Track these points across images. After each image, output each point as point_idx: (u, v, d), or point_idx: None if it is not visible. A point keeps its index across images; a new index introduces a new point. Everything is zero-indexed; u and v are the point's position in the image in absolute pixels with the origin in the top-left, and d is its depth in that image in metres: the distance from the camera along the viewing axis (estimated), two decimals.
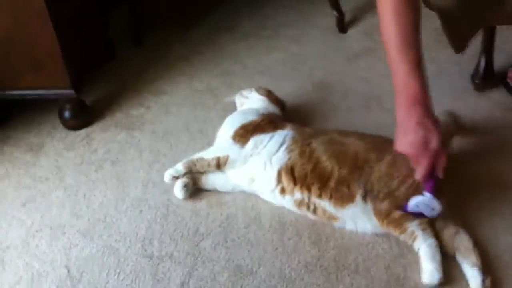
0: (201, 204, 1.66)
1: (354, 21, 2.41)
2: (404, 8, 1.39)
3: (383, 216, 1.50)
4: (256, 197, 1.65)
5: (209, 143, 1.78)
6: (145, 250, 1.55)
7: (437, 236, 1.48)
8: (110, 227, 1.61)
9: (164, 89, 2.10)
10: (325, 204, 1.55)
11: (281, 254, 1.52)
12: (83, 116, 1.94)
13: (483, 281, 1.40)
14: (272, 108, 1.80)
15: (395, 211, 1.49)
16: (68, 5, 1.86)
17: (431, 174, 1.43)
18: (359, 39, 2.31)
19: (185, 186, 1.65)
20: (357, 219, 1.54)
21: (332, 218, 1.56)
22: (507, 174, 1.70)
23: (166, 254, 1.54)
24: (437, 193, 1.46)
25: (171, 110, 2.00)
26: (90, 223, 1.63)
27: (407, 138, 1.39)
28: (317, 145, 1.60)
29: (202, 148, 1.81)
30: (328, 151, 1.58)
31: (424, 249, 1.45)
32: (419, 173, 1.42)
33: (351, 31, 2.37)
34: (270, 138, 1.64)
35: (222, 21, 2.44)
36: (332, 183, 1.54)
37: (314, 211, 1.57)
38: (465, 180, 1.69)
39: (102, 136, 1.90)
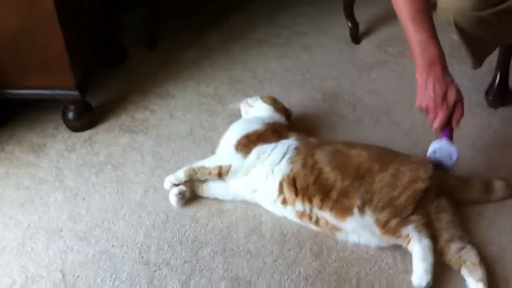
0: (201, 212, 1.63)
1: (368, 32, 2.37)
2: None
3: (381, 225, 1.47)
4: (258, 206, 1.62)
5: (213, 150, 1.75)
6: (142, 257, 1.51)
7: (435, 240, 1.45)
8: (108, 232, 1.58)
9: (172, 93, 2.07)
10: (326, 215, 1.51)
11: (281, 266, 1.48)
12: (86, 117, 1.91)
13: None
14: (278, 117, 1.76)
15: (393, 219, 1.46)
16: (77, 6, 1.85)
17: (448, 125, 1.50)
18: (372, 51, 2.27)
19: (180, 193, 1.62)
20: (359, 231, 1.50)
21: (334, 229, 1.52)
22: None
23: (163, 261, 1.50)
24: None
25: (176, 115, 1.97)
26: (87, 227, 1.59)
27: (426, 92, 1.49)
28: (321, 156, 1.57)
29: (206, 155, 1.78)
30: (332, 162, 1.55)
31: (417, 250, 1.43)
32: (437, 123, 1.49)
33: (365, 42, 2.33)
34: (273, 148, 1.61)
35: (238, 27, 2.42)
36: (334, 195, 1.51)
37: (316, 222, 1.54)
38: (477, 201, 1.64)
39: (105, 139, 1.87)
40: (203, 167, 1.62)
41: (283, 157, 1.58)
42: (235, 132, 1.68)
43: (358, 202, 1.48)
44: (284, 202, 1.56)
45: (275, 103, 1.79)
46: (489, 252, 1.50)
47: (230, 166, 1.60)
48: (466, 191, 1.62)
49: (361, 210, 1.48)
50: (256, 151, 1.61)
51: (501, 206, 1.62)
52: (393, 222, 1.46)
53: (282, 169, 1.56)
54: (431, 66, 1.49)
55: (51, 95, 1.84)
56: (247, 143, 1.63)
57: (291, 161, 1.57)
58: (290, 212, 1.56)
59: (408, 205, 1.47)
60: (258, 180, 1.59)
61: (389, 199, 1.48)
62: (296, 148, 1.60)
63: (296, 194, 1.54)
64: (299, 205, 1.54)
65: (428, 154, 1.56)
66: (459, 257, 1.43)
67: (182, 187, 1.63)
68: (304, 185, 1.53)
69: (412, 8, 1.50)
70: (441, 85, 1.48)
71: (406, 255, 1.48)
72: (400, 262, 1.48)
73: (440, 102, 1.48)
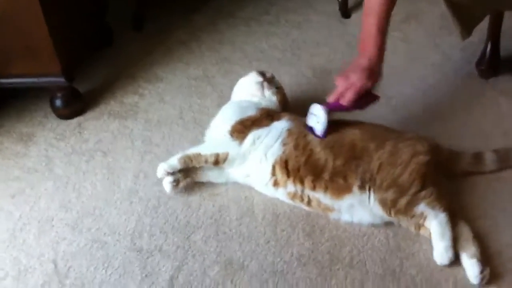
0: (193, 196, 1.62)
1: (357, 6, 2.33)
2: None
3: (390, 206, 1.45)
4: (250, 188, 1.61)
5: (204, 132, 1.73)
6: (134, 244, 1.51)
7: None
8: (99, 220, 1.57)
9: (160, 76, 2.05)
10: (319, 196, 1.51)
11: (274, 247, 1.48)
12: (75, 104, 1.89)
13: (482, 271, 1.35)
14: (275, 107, 1.70)
15: (400, 199, 1.44)
16: None
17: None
18: None
19: (174, 181, 1.59)
20: (354, 209, 1.49)
21: (327, 209, 1.51)
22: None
23: (155, 247, 1.50)
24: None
25: (165, 99, 1.95)
26: (79, 216, 1.59)
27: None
28: (313, 137, 1.55)
29: (196, 138, 1.77)
30: (323, 142, 1.53)
31: (434, 228, 1.42)
32: (332, 94, 1.57)
33: (354, 16, 2.30)
34: (268, 133, 1.59)
35: (225, 6, 2.39)
36: (326, 175, 1.50)
37: (309, 203, 1.53)
38: (468, 173, 1.63)
39: (94, 125, 1.86)
40: (198, 155, 1.58)
41: (276, 141, 1.57)
42: (228, 117, 1.64)
43: (357, 182, 1.47)
44: (276, 184, 1.55)
45: (283, 99, 1.73)
46: (482, 225, 1.50)
47: (227, 154, 1.57)
48: (457, 163, 1.61)
49: (362, 188, 1.47)
50: (251, 136, 1.58)
51: (494, 180, 1.61)
52: (403, 201, 1.44)
53: (275, 152, 1.55)
54: (360, 49, 1.60)
55: (37, 83, 1.81)
56: (242, 129, 1.60)
57: (284, 143, 1.56)
58: (282, 193, 1.55)
59: (413, 181, 1.46)
60: (253, 165, 1.57)
61: (392, 177, 1.47)
62: (288, 130, 1.58)
63: (288, 176, 1.52)
64: (291, 187, 1.53)
65: (309, 110, 1.58)
66: (453, 233, 1.42)
67: (177, 174, 1.60)
68: (296, 166, 1.52)
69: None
70: (353, 66, 1.58)
71: (398, 233, 1.48)
72: (392, 240, 1.47)
73: (343, 80, 1.56)
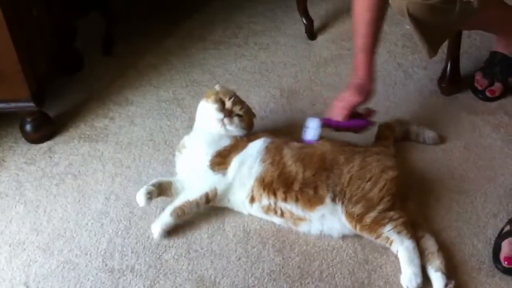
0: None
1: (323, 28, 2.39)
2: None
3: (356, 221, 1.48)
4: (220, 206, 1.63)
5: (173, 154, 1.74)
6: (106, 264, 1.52)
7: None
8: (71, 242, 1.58)
9: (130, 100, 2.07)
10: (291, 207, 1.53)
11: (245, 264, 1.50)
12: (45, 129, 1.90)
13: (446, 285, 1.39)
14: (243, 133, 1.69)
15: (367, 214, 1.47)
16: (28, 15, 1.82)
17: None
18: (328, 46, 2.29)
19: (149, 193, 1.57)
20: (325, 220, 1.52)
21: (299, 219, 1.54)
22: (473, 179, 1.70)
23: (127, 267, 1.51)
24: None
25: (136, 121, 1.97)
26: (50, 238, 1.59)
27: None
28: (287, 152, 1.59)
29: (166, 160, 1.80)
30: (295, 155, 1.57)
31: (402, 253, 1.44)
32: (328, 112, 1.70)
33: (320, 38, 2.35)
34: (249, 156, 1.59)
35: (195, 29, 2.42)
36: (296, 186, 1.53)
37: (282, 215, 1.55)
38: (432, 186, 1.69)
39: (65, 149, 1.87)
40: (188, 202, 1.55)
41: (255, 161, 1.58)
42: (204, 152, 1.62)
43: (329, 194, 1.50)
44: (252, 200, 1.57)
45: (249, 122, 1.72)
46: (448, 236, 1.55)
47: (216, 190, 1.56)
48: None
49: (334, 200, 1.50)
50: (235, 163, 1.58)
51: (457, 192, 1.66)
52: (369, 217, 1.47)
53: (255, 171, 1.56)
54: (354, 71, 1.73)
55: (6, 108, 1.81)
56: (222, 160, 1.59)
57: (262, 161, 1.57)
58: (257, 208, 1.57)
59: (382, 198, 1.49)
60: (235, 189, 1.58)
61: (362, 192, 1.50)
62: (266, 147, 1.60)
63: (263, 189, 1.55)
64: (265, 200, 1.55)
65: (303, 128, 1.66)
66: (419, 246, 1.46)
67: (151, 187, 1.59)
68: (270, 180, 1.54)
69: (355, 21, 1.69)
70: (348, 86, 1.71)
71: (366, 246, 1.52)
72: (360, 253, 1.51)
73: (339, 97, 1.70)
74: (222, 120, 1.64)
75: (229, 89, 1.76)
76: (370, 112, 1.73)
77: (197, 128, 1.73)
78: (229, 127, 1.65)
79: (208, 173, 1.59)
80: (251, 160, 1.58)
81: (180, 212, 1.54)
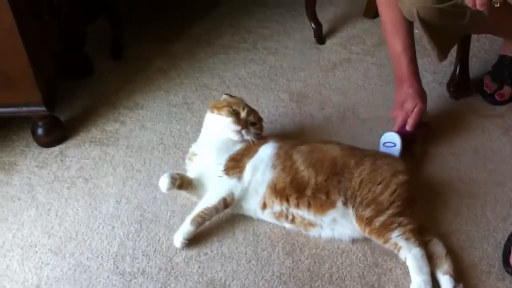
0: (175, 219, 1.65)
1: (331, 32, 2.40)
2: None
3: (365, 224, 1.49)
4: (229, 209, 1.63)
5: (184, 157, 1.76)
6: (117, 267, 1.53)
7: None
8: (82, 245, 1.59)
9: (141, 104, 2.08)
10: (303, 213, 1.54)
11: (255, 266, 1.51)
12: (56, 133, 1.91)
13: (455, 287, 1.39)
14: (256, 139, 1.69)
15: (377, 218, 1.48)
16: (39, 20, 1.85)
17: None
18: (337, 50, 2.30)
19: (173, 178, 1.58)
20: (336, 224, 1.53)
21: (310, 225, 1.55)
22: (482, 183, 1.71)
23: (138, 270, 1.52)
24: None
25: (146, 125, 1.98)
26: (61, 241, 1.60)
27: (394, 101, 1.83)
28: (297, 157, 1.59)
29: (177, 163, 1.81)
30: (307, 160, 1.57)
31: (410, 260, 1.44)
32: (396, 125, 1.76)
33: (329, 43, 2.36)
34: (261, 161, 1.59)
35: (204, 34, 2.43)
36: (308, 192, 1.53)
37: (293, 220, 1.56)
38: (441, 189, 1.69)
39: (76, 153, 1.88)
40: (207, 209, 1.55)
41: (267, 166, 1.58)
42: (217, 158, 1.62)
43: (341, 198, 1.51)
44: (264, 206, 1.57)
45: (261, 128, 1.72)
46: (456, 239, 1.55)
47: (233, 194, 1.57)
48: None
49: (345, 204, 1.51)
50: (250, 168, 1.58)
51: (466, 196, 1.67)
52: (379, 221, 1.47)
53: (267, 177, 1.57)
54: (398, 82, 1.82)
55: (18, 112, 1.83)
56: (236, 165, 1.60)
57: (274, 167, 1.58)
58: (268, 214, 1.58)
59: (393, 203, 1.49)
60: (248, 195, 1.59)
61: (373, 195, 1.50)
62: (276, 153, 1.61)
63: (276, 197, 1.55)
64: (277, 206, 1.56)
65: (381, 142, 1.74)
66: (427, 250, 1.47)
67: (175, 174, 1.60)
68: (282, 186, 1.55)
69: (390, 18, 1.77)
70: (403, 96, 1.79)
71: (375, 249, 1.52)
72: (370, 256, 1.51)
73: (399, 109, 1.78)
74: (240, 131, 1.64)
75: (237, 97, 1.79)
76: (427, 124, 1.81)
77: (204, 135, 1.73)
78: (246, 137, 1.65)
79: (223, 178, 1.59)
80: (263, 166, 1.59)
81: (200, 220, 1.54)
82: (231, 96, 1.78)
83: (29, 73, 1.75)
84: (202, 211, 1.55)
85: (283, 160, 1.59)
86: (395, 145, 1.70)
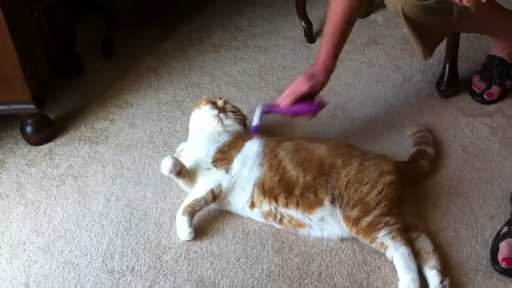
0: (164, 217, 1.65)
1: (322, 31, 2.38)
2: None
3: (352, 224, 1.49)
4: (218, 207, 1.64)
5: (173, 155, 1.76)
6: (106, 265, 1.53)
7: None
8: (71, 243, 1.59)
9: (130, 102, 2.08)
10: (292, 212, 1.54)
11: (244, 264, 1.51)
12: (45, 131, 1.91)
13: (441, 281, 1.40)
14: (240, 130, 1.70)
15: (363, 218, 1.48)
16: (29, 18, 1.84)
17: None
18: None
19: (176, 161, 1.57)
20: (325, 223, 1.53)
21: (298, 225, 1.55)
22: (470, 181, 1.71)
23: (127, 268, 1.52)
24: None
25: (136, 123, 1.98)
26: (50, 239, 1.60)
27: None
28: (284, 155, 1.59)
29: None
30: (294, 159, 1.58)
31: (397, 259, 1.44)
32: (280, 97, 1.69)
33: (319, 41, 2.35)
34: (248, 156, 1.60)
35: (194, 33, 2.43)
36: (297, 192, 1.53)
37: (281, 220, 1.56)
38: (430, 187, 1.70)
39: (65, 151, 1.88)
40: (196, 200, 1.56)
41: (254, 163, 1.58)
42: (205, 150, 1.63)
43: (328, 196, 1.51)
44: (252, 205, 1.58)
45: (244, 120, 1.75)
46: (445, 237, 1.56)
47: (220, 185, 1.57)
48: (418, 170, 1.69)
49: (332, 203, 1.51)
50: (238, 162, 1.58)
51: (455, 194, 1.67)
52: (365, 221, 1.48)
53: (254, 175, 1.57)
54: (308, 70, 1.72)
55: (7, 110, 1.82)
56: (223, 156, 1.61)
57: (261, 165, 1.58)
58: (256, 213, 1.58)
59: (380, 203, 1.50)
60: (235, 192, 1.59)
61: (359, 195, 1.51)
62: (262, 151, 1.61)
63: (264, 195, 1.55)
64: (266, 206, 1.56)
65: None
66: (414, 246, 1.48)
67: (179, 159, 1.59)
68: (271, 185, 1.55)
69: (332, 20, 1.70)
70: (302, 74, 1.70)
71: (364, 247, 1.52)
72: (359, 254, 1.52)
73: (292, 86, 1.68)
74: (218, 115, 1.68)
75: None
76: (321, 102, 1.72)
77: (191, 135, 1.76)
78: (226, 122, 1.68)
79: (212, 170, 1.60)
80: (250, 162, 1.59)
81: (190, 210, 1.55)
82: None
83: (19, 71, 1.75)
84: (192, 202, 1.56)
85: (269, 158, 1.59)
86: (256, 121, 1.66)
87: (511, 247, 1.47)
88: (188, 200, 1.58)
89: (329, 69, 1.70)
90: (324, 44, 1.70)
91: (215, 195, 1.58)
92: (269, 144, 1.64)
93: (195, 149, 1.66)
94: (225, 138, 1.66)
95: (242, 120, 1.75)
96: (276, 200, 1.55)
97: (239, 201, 1.59)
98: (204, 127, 1.70)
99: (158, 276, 1.49)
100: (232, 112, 1.72)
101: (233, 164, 1.59)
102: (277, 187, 1.55)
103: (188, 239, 1.56)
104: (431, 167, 1.72)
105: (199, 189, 1.59)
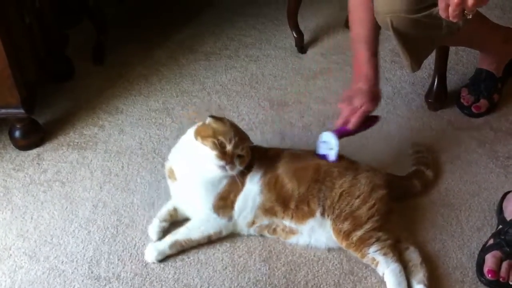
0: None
1: (312, 41, 2.42)
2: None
3: (342, 237, 1.49)
4: None
5: (162, 163, 1.75)
6: (92, 272, 1.52)
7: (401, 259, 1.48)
8: (57, 249, 1.58)
9: (120, 108, 2.08)
10: (286, 223, 1.55)
11: (231, 273, 1.51)
12: (34, 135, 1.90)
13: None
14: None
15: (354, 232, 1.48)
16: (19, 22, 1.83)
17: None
18: (317, 60, 2.32)
19: (163, 228, 1.58)
20: (314, 232, 1.53)
21: (291, 232, 1.55)
22: (458, 193, 1.72)
23: (113, 275, 1.51)
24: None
25: (125, 130, 1.98)
26: (36, 244, 1.59)
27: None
28: (281, 171, 1.57)
29: (155, 169, 1.81)
30: (290, 171, 1.56)
31: (388, 276, 1.44)
32: (339, 119, 1.65)
33: (310, 52, 2.38)
34: (248, 198, 1.55)
35: (186, 41, 2.44)
36: (292, 205, 1.53)
37: (274, 230, 1.57)
38: (418, 199, 1.70)
39: (53, 156, 1.87)
40: (189, 240, 1.54)
41: (254, 199, 1.55)
42: (205, 197, 1.55)
43: (319, 208, 1.51)
44: (252, 224, 1.57)
45: (248, 158, 1.58)
46: (432, 248, 1.56)
47: (221, 232, 1.56)
48: (409, 188, 1.69)
49: (323, 214, 1.51)
50: (238, 209, 1.55)
51: (442, 205, 1.68)
52: (356, 235, 1.47)
53: (256, 204, 1.55)
54: (358, 78, 1.69)
55: None
56: (225, 204, 1.55)
57: (261, 193, 1.55)
58: (253, 230, 1.58)
59: (371, 217, 1.50)
60: (237, 224, 1.58)
61: (350, 209, 1.51)
62: (261, 179, 1.56)
63: (265, 215, 1.55)
64: (265, 221, 1.56)
65: (318, 147, 1.64)
66: (403, 258, 1.48)
67: (164, 223, 1.59)
68: (271, 206, 1.54)
69: (359, 30, 1.70)
70: (353, 91, 1.67)
71: (351, 257, 1.53)
72: (346, 264, 1.52)
73: (346, 104, 1.65)
74: (224, 167, 1.51)
75: (223, 120, 1.58)
76: (378, 116, 1.72)
77: (187, 157, 1.59)
78: (230, 172, 1.52)
79: (212, 216, 1.55)
80: (251, 199, 1.55)
81: (179, 247, 1.54)
82: (217, 119, 1.57)
83: (8, 75, 1.74)
84: (185, 240, 1.54)
85: (268, 181, 1.56)
86: (331, 149, 1.60)
87: (496, 260, 1.47)
88: (181, 236, 1.54)
89: (379, 81, 1.70)
90: (366, 60, 1.67)
91: (211, 240, 1.57)
92: (268, 173, 1.57)
93: (191, 194, 1.58)
94: (224, 182, 1.56)
95: (248, 158, 1.57)
96: (275, 215, 1.55)
97: (239, 226, 1.58)
98: (203, 166, 1.53)
99: (144, 283, 1.49)
100: (239, 156, 1.53)
101: (235, 209, 1.56)
102: (275, 205, 1.54)
103: (150, 261, 1.53)
104: (425, 189, 1.71)
105: (196, 230, 1.56)
